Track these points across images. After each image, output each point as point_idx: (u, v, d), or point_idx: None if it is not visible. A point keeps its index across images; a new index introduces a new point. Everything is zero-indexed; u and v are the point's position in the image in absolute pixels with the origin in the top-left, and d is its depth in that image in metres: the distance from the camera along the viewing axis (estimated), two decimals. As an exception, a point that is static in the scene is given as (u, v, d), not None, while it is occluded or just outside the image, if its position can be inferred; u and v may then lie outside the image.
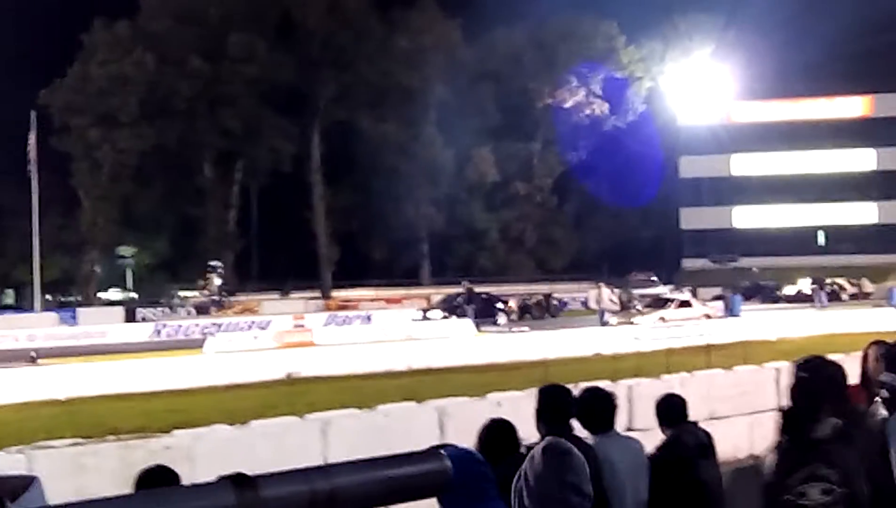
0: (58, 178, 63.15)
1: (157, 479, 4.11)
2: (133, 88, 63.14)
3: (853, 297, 57.16)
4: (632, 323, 37.16)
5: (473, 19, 70.24)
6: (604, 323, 40.39)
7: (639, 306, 44.04)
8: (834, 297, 55.60)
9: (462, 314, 43.04)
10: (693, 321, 32.36)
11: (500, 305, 47.39)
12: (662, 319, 37.10)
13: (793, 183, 75.74)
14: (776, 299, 56.79)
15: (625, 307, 44.94)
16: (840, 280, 60.68)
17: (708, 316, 39.00)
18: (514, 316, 48.18)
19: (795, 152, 75.93)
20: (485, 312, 44.11)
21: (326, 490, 1.43)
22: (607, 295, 46.72)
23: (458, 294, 48.88)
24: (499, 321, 44.25)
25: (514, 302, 50.95)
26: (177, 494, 1.40)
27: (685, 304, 41.21)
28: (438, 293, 53.66)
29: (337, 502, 1.45)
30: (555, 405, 5.21)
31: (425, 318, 43.90)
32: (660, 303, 42.49)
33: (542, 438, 5.15)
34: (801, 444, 3.90)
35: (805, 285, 57.55)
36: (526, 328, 38.95)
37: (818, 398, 4.00)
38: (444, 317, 43.18)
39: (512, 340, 32.05)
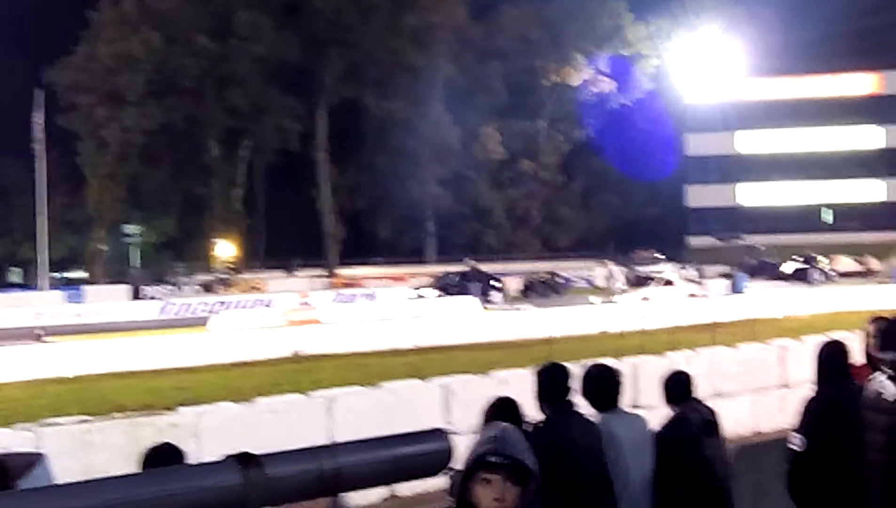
0: (64, 156, 63.19)
1: (164, 457, 4.14)
2: (140, 66, 63.04)
3: (845, 275, 56.92)
4: (613, 302, 37.10)
5: (480, -3, 70.07)
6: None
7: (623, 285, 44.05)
8: (825, 276, 55.52)
9: (456, 292, 42.99)
10: (676, 300, 32.22)
11: (496, 283, 47.22)
12: (645, 298, 36.97)
13: (799, 160, 75.47)
14: (781, 277, 56.71)
15: (632, 285, 44.93)
16: (845, 258, 60.49)
17: (693, 295, 38.84)
18: (509, 295, 48.03)
19: (802, 129, 75.65)
20: (480, 290, 43.98)
21: (332, 468, 1.44)
22: (616, 272, 46.86)
23: (454, 273, 48.91)
24: (494, 300, 44.02)
25: (510, 281, 50.88)
26: (182, 473, 1.41)
27: (668, 283, 41.07)
28: (450, 271, 53.64)
29: (343, 481, 1.46)
30: (554, 383, 5.22)
31: (419, 296, 43.83)
32: (642, 282, 42.36)
33: (546, 417, 5.19)
34: None
35: (795, 263, 57.32)
36: (530, 306, 38.93)
37: None
38: (439, 295, 43.09)
39: (517, 318, 32.07)
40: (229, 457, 1.39)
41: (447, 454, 1.61)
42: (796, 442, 5.58)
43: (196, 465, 1.43)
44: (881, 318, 6.16)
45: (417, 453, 1.58)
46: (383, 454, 1.54)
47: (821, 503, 5.56)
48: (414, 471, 1.59)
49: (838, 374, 5.69)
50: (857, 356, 6.18)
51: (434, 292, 44.69)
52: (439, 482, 4.70)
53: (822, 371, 5.74)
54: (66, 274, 62.94)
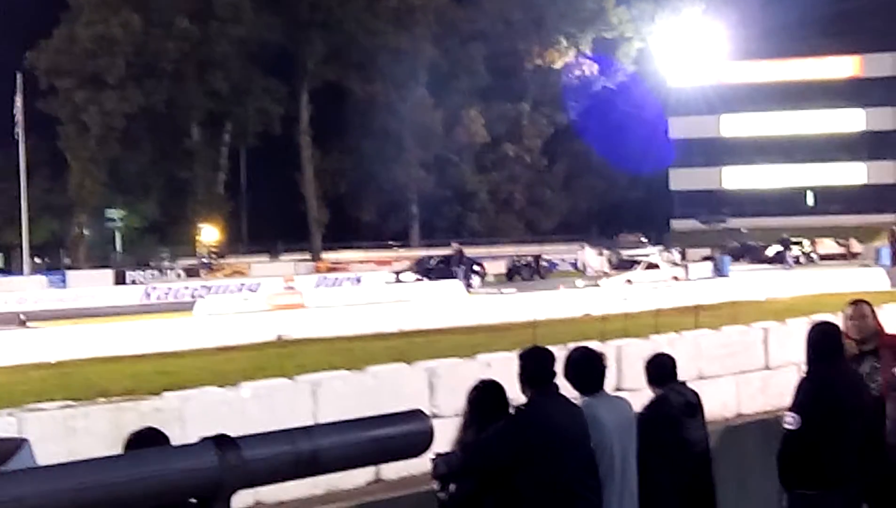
0: (45, 140, 62.80)
1: (147, 442, 4.12)
2: (120, 49, 62.56)
3: (828, 257, 57.25)
4: (597, 285, 37.24)
5: (463, -21, 69.87)
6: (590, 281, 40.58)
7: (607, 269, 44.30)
8: (807, 258, 55.89)
9: (435, 276, 43.01)
10: (661, 282, 32.44)
11: (475, 267, 47.24)
12: (629, 281, 37.13)
13: (782, 144, 75.76)
14: (762, 260, 57.04)
15: (616, 268, 45.07)
16: (827, 241, 60.81)
17: (676, 278, 39.07)
18: (489, 278, 48.06)
19: (785, 113, 75.87)
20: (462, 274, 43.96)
21: (309, 450, 1.44)
22: (591, 255, 47.00)
23: (433, 256, 49.07)
24: (473, 284, 43.96)
25: (494, 264, 50.95)
26: (159, 455, 1.40)
27: (652, 266, 41.27)
28: (429, 255, 53.72)
29: (320, 462, 1.46)
30: (537, 366, 5.22)
31: (398, 281, 43.80)
32: (627, 265, 42.59)
33: (530, 400, 5.19)
34: None
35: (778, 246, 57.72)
36: (514, 289, 39.01)
37: None
38: (417, 279, 43.08)
39: (501, 301, 32.12)
40: (205, 439, 1.38)
41: (427, 435, 1.61)
42: (790, 421, 5.59)
43: (173, 447, 1.42)
44: (860, 301, 6.21)
45: (396, 434, 1.58)
46: (361, 435, 1.53)
47: (810, 482, 5.59)
48: (393, 453, 1.59)
49: (830, 354, 5.71)
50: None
51: (413, 275, 44.65)
52: (425, 464, 4.72)
53: (814, 352, 5.76)
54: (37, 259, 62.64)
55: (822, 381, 5.62)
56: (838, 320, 6.22)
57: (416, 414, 1.63)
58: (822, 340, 5.76)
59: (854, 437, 5.53)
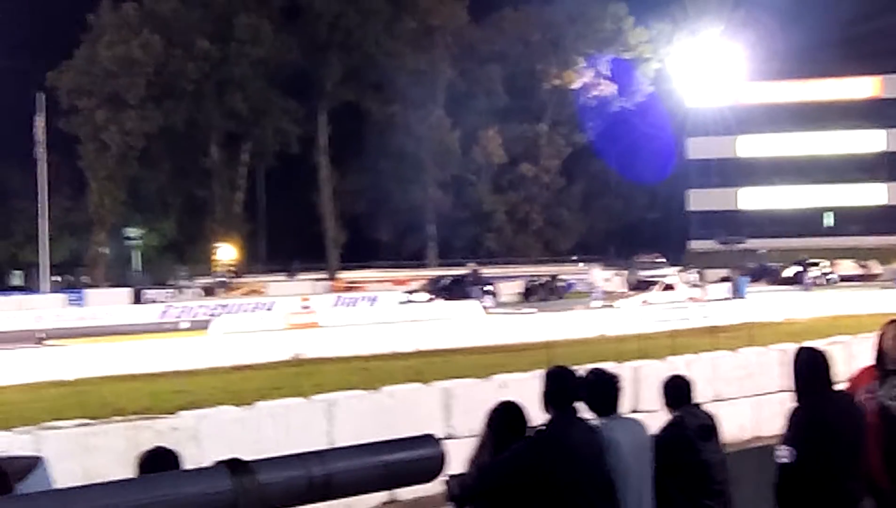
0: (65, 160, 63.20)
1: (159, 461, 4.13)
2: (140, 69, 63.06)
3: (847, 279, 56.96)
4: (611, 306, 37.19)
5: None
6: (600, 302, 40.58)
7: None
8: (826, 280, 55.64)
9: (447, 296, 42.97)
10: (677, 304, 32.41)
11: (488, 287, 47.15)
12: (646, 302, 37.06)
13: (801, 164, 75.49)
14: (780, 281, 56.80)
15: (634, 289, 44.96)
16: (846, 262, 60.48)
17: (693, 299, 38.97)
18: (500, 298, 47.97)
19: (804, 133, 75.65)
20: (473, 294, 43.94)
21: (322, 475, 1.44)
22: (600, 276, 46.92)
23: (446, 276, 49.19)
24: (485, 303, 43.84)
25: (511, 284, 50.90)
26: (172, 479, 1.40)
27: (669, 287, 41.21)
28: (441, 275, 53.70)
29: (333, 487, 1.46)
30: (561, 387, 5.22)
31: (410, 301, 43.77)
32: (643, 286, 42.52)
33: (549, 421, 5.19)
34: None
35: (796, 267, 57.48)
36: (532, 309, 38.95)
37: None
38: (430, 299, 43.04)
39: (518, 321, 32.06)
40: (219, 463, 1.38)
41: (439, 460, 1.61)
42: (784, 455, 5.48)
43: (186, 471, 1.42)
44: None
45: (408, 459, 1.58)
46: (374, 460, 1.54)
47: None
48: (405, 477, 1.59)
49: (819, 382, 5.60)
50: (862, 360, 6.16)
51: (425, 296, 44.63)
52: (439, 486, 4.70)
53: (802, 380, 5.64)
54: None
55: (813, 411, 5.51)
56: (857, 341, 6.16)
57: (428, 439, 1.63)
58: (811, 367, 5.65)
59: (852, 462, 5.45)
